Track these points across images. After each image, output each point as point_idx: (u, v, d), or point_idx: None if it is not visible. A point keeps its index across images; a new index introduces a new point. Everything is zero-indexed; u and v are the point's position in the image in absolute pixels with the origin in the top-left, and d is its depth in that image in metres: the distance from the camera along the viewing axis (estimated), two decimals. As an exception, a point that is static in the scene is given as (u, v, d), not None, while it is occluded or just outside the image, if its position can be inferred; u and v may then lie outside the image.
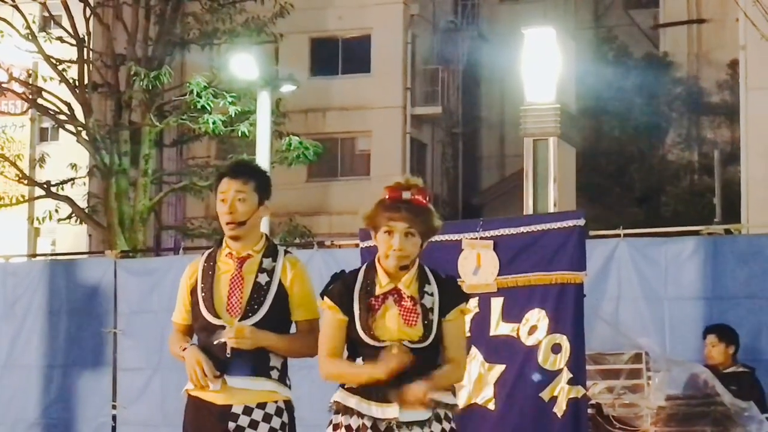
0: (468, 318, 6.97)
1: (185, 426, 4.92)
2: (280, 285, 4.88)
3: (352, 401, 4.69)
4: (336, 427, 4.72)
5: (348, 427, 4.71)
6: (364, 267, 4.78)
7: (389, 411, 4.64)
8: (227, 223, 4.88)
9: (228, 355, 4.79)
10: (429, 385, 4.58)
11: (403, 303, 4.68)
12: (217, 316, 4.83)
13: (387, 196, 4.71)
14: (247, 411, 4.81)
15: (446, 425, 4.70)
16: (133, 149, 24.30)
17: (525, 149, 10.07)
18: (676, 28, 32.86)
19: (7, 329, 11.37)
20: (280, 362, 4.89)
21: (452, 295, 4.71)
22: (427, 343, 4.68)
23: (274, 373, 4.87)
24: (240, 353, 4.79)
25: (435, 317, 4.67)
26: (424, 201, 4.71)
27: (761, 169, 21.40)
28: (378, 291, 4.70)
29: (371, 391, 4.66)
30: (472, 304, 6.96)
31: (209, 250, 5.02)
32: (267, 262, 4.89)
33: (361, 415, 4.67)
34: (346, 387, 4.73)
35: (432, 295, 4.69)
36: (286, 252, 4.98)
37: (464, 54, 35.09)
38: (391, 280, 4.70)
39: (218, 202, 4.92)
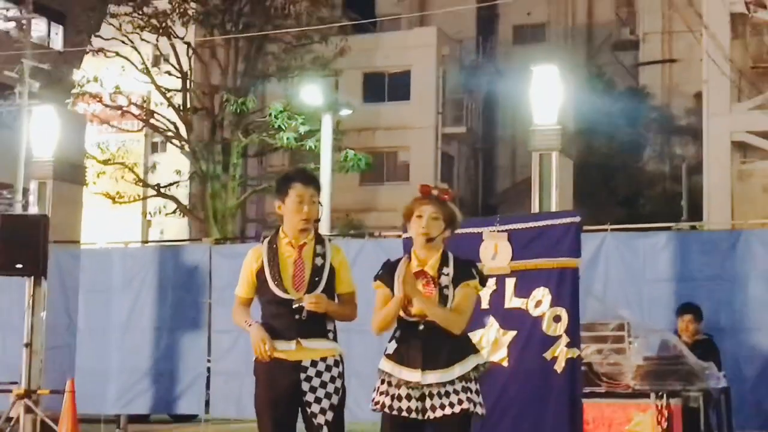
0: (486, 292, 6.98)
1: (260, 379, 4.84)
2: (331, 266, 4.89)
3: (388, 366, 4.65)
4: (379, 391, 4.68)
5: (386, 392, 4.65)
6: (405, 256, 4.77)
7: (414, 375, 4.57)
8: (304, 220, 4.86)
9: (303, 317, 4.78)
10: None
11: (425, 281, 4.67)
12: (285, 291, 4.83)
13: (420, 191, 4.76)
14: (314, 364, 4.81)
15: (468, 384, 4.58)
16: (224, 159, 24.48)
17: (532, 161, 9.97)
18: (653, 67, 32.68)
19: (126, 300, 11.45)
20: (333, 325, 4.90)
21: (462, 274, 4.68)
22: None
23: (330, 335, 4.89)
24: (308, 318, 4.78)
25: (450, 291, 4.64)
26: (447, 197, 4.76)
27: (719, 179, 21.25)
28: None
29: (402, 356, 4.61)
30: (491, 282, 6.95)
31: (267, 240, 4.94)
32: (319, 249, 4.89)
33: (395, 379, 4.61)
34: (386, 354, 4.68)
35: (448, 275, 4.66)
36: (329, 240, 5.01)
37: (485, 85, 34.99)
38: (419, 264, 4.70)
39: (294, 202, 4.85)
